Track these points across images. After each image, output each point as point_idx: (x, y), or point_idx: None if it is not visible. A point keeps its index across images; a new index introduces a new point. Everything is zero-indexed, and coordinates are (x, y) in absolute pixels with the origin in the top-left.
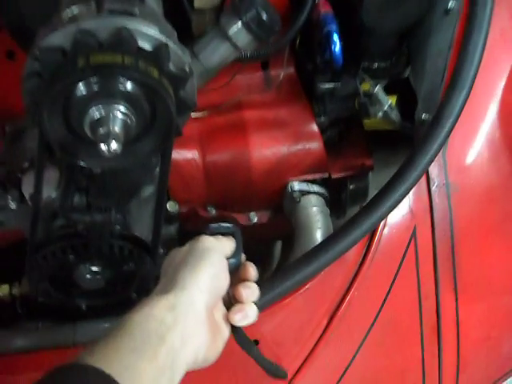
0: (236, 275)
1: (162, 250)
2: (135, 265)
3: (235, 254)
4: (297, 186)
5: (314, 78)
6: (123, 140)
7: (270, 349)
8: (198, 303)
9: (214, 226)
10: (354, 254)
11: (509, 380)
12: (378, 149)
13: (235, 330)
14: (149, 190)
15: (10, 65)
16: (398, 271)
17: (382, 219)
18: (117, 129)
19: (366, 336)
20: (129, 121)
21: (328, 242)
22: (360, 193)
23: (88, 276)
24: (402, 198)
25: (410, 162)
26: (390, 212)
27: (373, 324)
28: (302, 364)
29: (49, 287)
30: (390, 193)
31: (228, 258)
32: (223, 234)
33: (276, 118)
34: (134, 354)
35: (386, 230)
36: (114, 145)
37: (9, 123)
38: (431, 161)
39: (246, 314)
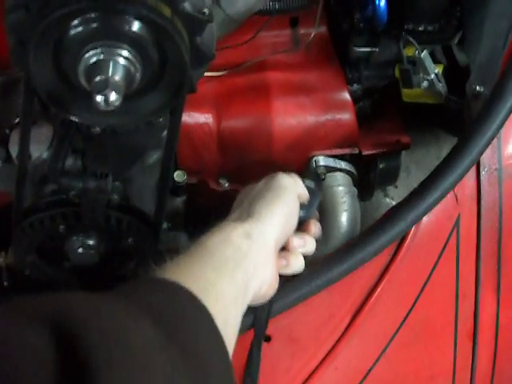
0: (301, 229)
1: (165, 225)
2: (134, 240)
3: (307, 207)
4: (322, 161)
5: (349, 40)
6: (124, 91)
7: (283, 345)
8: (270, 237)
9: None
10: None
11: None
12: (411, 125)
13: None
14: (154, 157)
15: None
16: (435, 265)
17: (426, 213)
18: (117, 77)
19: (393, 337)
20: (132, 69)
21: (365, 236)
22: (390, 173)
23: (80, 250)
24: (453, 187)
25: (464, 144)
26: (437, 203)
27: (402, 324)
28: (320, 363)
29: (36, 259)
30: (438, 182)
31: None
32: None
33: (303, 82)
34: (216, 272)
35: (424, 218)
36: (112, 96)
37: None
38: (488, 143)
39: (288, 263)
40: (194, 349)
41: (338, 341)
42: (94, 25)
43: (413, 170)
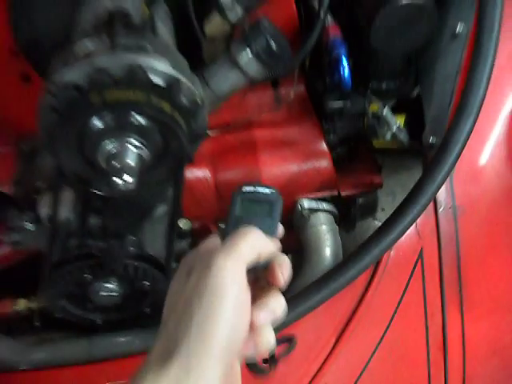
0: (264, 275)
1: (174, 265)
2: (149, 282)
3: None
4: (306, 203)
5: (323, 97)
6: (137, 172)
7: (278, 365)
8: (211, 377)
9: (248, 189)
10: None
11: None
12: (386, 155)
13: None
14: (161, 210)
15: (25, 87)
16: (404, 291)
17: (391, 246)
18: (130, 162)
19: (373, 353)
20: (142, 154)
21: (338, 269)
22: (369, 208)
23: (103, 293)
24: (411, 223)
25: (419, 188)
26: (398, 238)
27: (380, 342)
28: (311, 380)
29: (65, 303)
30: (400, 220)
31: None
32: (259, 203)
33: (286, 136)
34: None
35: (393, 252)
36: (128, 178)
37: (24, 142)
38: (439, 187)
39: (258, 347)
40: None
41: (326, 359)
42: (110, 122)
43: (398, 193)
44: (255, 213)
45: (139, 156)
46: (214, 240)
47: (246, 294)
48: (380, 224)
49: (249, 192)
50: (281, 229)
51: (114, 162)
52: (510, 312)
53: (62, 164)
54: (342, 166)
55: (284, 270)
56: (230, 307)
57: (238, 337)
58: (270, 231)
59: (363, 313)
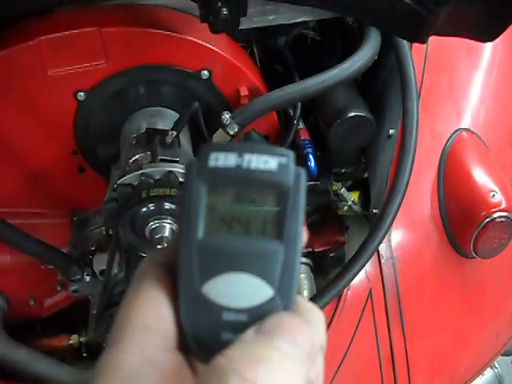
0: None
1: None
2: None
3: None
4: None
5: None
6: (170, 241)
7: None
8: None
9: (223, 156)
10: (326, 309)
11: None
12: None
13: None
14: None
15: (80, 176)
16: (359, 321)
17: (346, 286)
18: (167, 234)
19: (337, 370)
20: (174, 227)
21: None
22: (338, 259)
23: None
24: (359, 271)
25: (365, 245)
26: (351, 281)
27: (342, 361)
28: None
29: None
30: (352, 267)
31: None
32: (250, 192)
33: None
34: None
35: (349, 292)
36: (164, 244)
37: (76, 214)
38: (379, 244)
39: None
40: None
41: None
42: (154, 209)
43: None
44: (245, 226)
45: (171, 229)
46: (156, 317)
47: None
48: None
49: (228, 169)
50: (304, 237)
51: (155, 235)
52: (442, 334)
53: (119, 236)
54: (315, 228)
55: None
56: None
57: None
58: (284, 276)
59: (329, 337)
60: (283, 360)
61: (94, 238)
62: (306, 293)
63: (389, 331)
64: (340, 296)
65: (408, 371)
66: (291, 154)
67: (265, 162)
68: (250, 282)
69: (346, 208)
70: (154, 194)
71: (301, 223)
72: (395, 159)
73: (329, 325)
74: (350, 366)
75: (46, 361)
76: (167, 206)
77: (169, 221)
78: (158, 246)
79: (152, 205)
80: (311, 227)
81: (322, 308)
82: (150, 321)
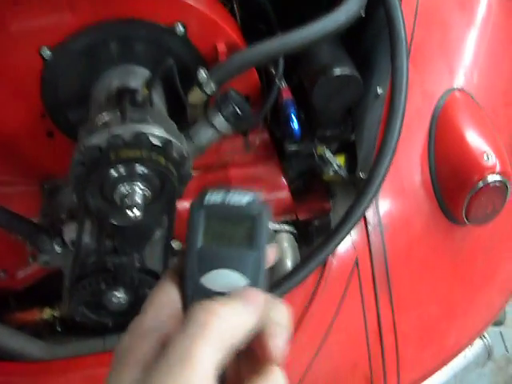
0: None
1: None
2: (150, 290)
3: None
4: (270, 226)
5: (282, 142)
6: (142, 206)
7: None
8: None
9: (214, 198)
10: (311, 279)
11: None
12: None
13: None
14: (158, 234)
15: (49, 141)
16: (345, 290)
17: (331, 253)
18: (138, 200)
19: (323, 340)
20: (146, 193)
21: (294, 271)
22: (324, 228)
23: (114, 300)
24: (345, 237)
25: (351, 211)
26: (336, 247)
27: (328, 331)
28: None
29: (84, 310)
30: (336, 234)
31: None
32: (232, 220)
33: (254, 174)
34: None
35: (334, 261)
36: (136, 211)
37: (46, 182)
38: (366, 209)
39: None
40: None
41: None
42: (123, 172)
43: None
44: (228, 239)
45: (143, 195)
46: (169, 299)
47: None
48: None
49: (216, 205)
50: (271, 255)
51: (126, 200)
52: (429, 304)
53: (87, 202)
54: (299, 195)
55: (278, 339)
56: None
57: None
58: (253, 271)
59: (314, 308)
60: (233, 311)
61: (65, 206)
62: (289, 262)
63: (376, 301)
64: (324, 265)
65: (396, 343)
66: (259, 195)
67: (239, 199)
68: (232, 275)
69: (331, 173)
70: (123, 157)
71: (265, 238)
72: (383, 120)
73: (313, 295)
74: (336, 337)
75: (18, 336)
76: (138, 169)
77: (140, 186)
78: (128, 213)
79: (121, 168)
80: (295, 194)
81: (305, 277)
82: (164, 300)
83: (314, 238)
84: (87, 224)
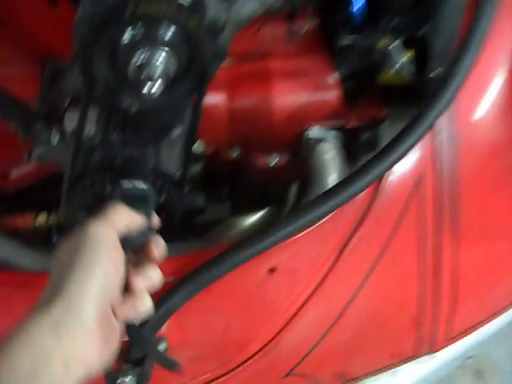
0: (141, 252)
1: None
2: (165, 199)
3: (141, 230)
4: (314, 133)
5: (335, 32)
6: (163, 83)
7: (285, 276)
8: (88, 317)
9: (126, 186)
10: (362, 196)
11: None
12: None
13: (128, 328)
14: (177, 132)
15: (51, 11)
16: (402, 215)
17: (390, 168)
18: (158, 72)
19: (370, 270)
20: (169, 65)
21: (340, 186)
22: (371, 143)
23: None
24: (410, 149)
25: (420, 115)
26: (397, 161)
27: (377, 260)
28: (313, 292)
29: (85, 216)
30: (399, 144)
31: (131, 237)
32: (136, 196)
33: (298, 68)
34: None
35: (392, 176)
36: (155, 87)
37: (49, 63)
38: (439, 115)
39: (137, 311)
40: None
41: (327, 273)
42: (141, 34)
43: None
44: (134, 206)
45: (165, 68)
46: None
47: (118, 252)
48: None
49: (128, 189)
50: (156, 219)
51: (142, 73)
52: (501, 240)
53: (94, 76)
54: (349, 99)
55: (159, 247)
56: (104, 259)
57: (111, 287)
58: (144, 236)
59: (363, 232)
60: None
61: (68, 91)
62: (332, 177)
63: (437, 231)
64: (379, 182)
65: (456, 283)
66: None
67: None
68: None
69: (394, 69)
70: (143, 11)
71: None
72: (469, 5)
73: (362, 218)
74: (385, 269)
75: (6, 242)
76: (162, 31)
77: (163, 54)
78: (145, 89)
79: (140, 28)
80: (345, 96)
81: (353, 195)
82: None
83: (358, 156)
84: (92, 112)
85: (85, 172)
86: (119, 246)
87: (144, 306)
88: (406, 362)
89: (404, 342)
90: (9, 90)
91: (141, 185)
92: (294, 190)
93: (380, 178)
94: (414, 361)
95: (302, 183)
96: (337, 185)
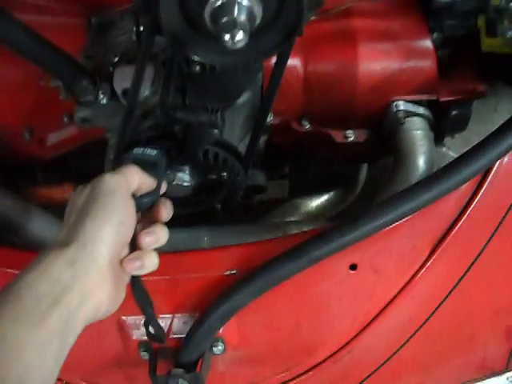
0: (150, 214)
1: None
2: (228, 174)
3: (151, 192)
4: (402, 105)
5: None
6: (248, 29)
7: (367, 275)
8: (101, 257)
9: (137, 151)
10: (462, 190)
11: None
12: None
13: (133, 279)
14: (244, 97)
15: None
16: (509, 209)
17: (501, 156)
18: (242, 17)
19: (467, 270)
20: (255, 8)
21: (443, 172)
22: (461, 121)
23: (175, 182)
24: None
25: None
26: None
27: (477, 257)
28: (399, 292)
29: None
30: None
31: (141, 196)
32: (147, 162)
33: (388, 29)
34: (17, 322)
35: (507, 158)
36: (239, 35)
37: (95, 15)
38: None
39: (142, 264)
40: None
41: (417, 272)
42: None
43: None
44: (145, 170)
45: (251, 10)
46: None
47: (130, 203)
48: (448, 151)
49: (138, 154)
50: (164, 185)
51: (223, 18)
52: None
53: (162, 24)
54: (442, 69)
55: (167, 209)
56: (119, 206)
57: (123, 234)
58: (153, 196)
59: (465, 224)
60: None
61: (118, 45)
62: (422, 159)
63: None
64: (487, 172)
65: None
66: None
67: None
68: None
69: (509, 34)
70: None
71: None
72: None
73: (466, 205)
74: (486, 266)
75: (39, 216)
76: None
77: None
78: (226, 37)
79: None
80: (439, 66)
81: (466, 181)
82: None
83: (446, 133)
84: (147, 70)
85: (135, 141)
86: (132, 200)
87: (151, 261)
88: (494, 376)
89: (494, 354)
90: (51, 41)
91: (152, 151)
92: (364, 171)
93: (488, 168)
94: (503, 375)
95: (374, 163)
96: (445, 167)
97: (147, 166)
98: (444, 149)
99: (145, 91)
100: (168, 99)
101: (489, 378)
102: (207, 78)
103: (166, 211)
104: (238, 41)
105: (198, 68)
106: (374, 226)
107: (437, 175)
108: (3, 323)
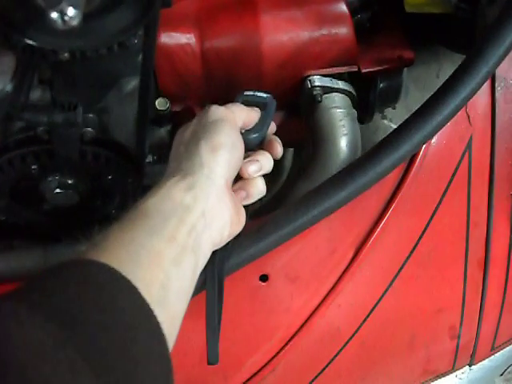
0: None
1: (150, 158)
2: (115, 176)
3: (258, 128)
4: (318, 81)
5: None
6: (83, 6)
7: (282, 284)
8: (219, 179)
9: (248, 93)
10: (391, 175)
11: None
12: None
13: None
14: (132, 84)
15: None
16: (445, 191)
17: (435, 132)
18: None
19: (399, 270)
20: None
21: (366, 160)
22: (391, 93)
23: (58, 190)
24: (462, 106)
25: (477, 54)
26: (444, 124)
27: (409, 256)
28: (322, 302)
29: (11, 203)
30: (447, 99)
31: (248, 131)
32: (256, 104)
33: None
34: (150, 235)
35: (434, 141)
36: (70, 11)
37: None
38: (506, 53)
39: (248, 194)
40: (105, 340)
41: (341, 277)
42: None
43: (411, 88)
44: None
45: None
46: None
47: (237, 134)
48: (391, 124)
49: (249, 95)
50: (273, 126)
51: None
52: None
53: None
54: (363, 36)
55: (280, 143)
56: (229, 128)
57: (236, 160)
58: (261, 132)
59: (391, 218)
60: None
61: None
62: (344, 140)
63: (489, 213)
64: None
65: (506, 280)
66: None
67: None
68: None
69: None
70: None
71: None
72: None
73: (392, 198)
74: (419, 264)
75: None
76: None
77: None
78: (54, 15)
79: None
80: (358, 32)
81: (392, 169)
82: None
83: (374, 109)
84: (8, 60)
85: (1, 147)
86: (237, 129)
87: (258, 190)
88: (439, 378)
89: (438, 356)
90: None
91: (262, 94)
92: (289, 156)
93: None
94: (452, 374)
95: (298, 147)
96: (368, 154)
97: (255, 106)
98: (385, 121)
99: (6, 86)
100: (20, 96)
101: (436, 379)
102: (77, 66)
103: (280, 146)
104: (69, 18)
105: (66, 55)
106: (281, 235)
107: (355, 166)
108: (139, 235)
